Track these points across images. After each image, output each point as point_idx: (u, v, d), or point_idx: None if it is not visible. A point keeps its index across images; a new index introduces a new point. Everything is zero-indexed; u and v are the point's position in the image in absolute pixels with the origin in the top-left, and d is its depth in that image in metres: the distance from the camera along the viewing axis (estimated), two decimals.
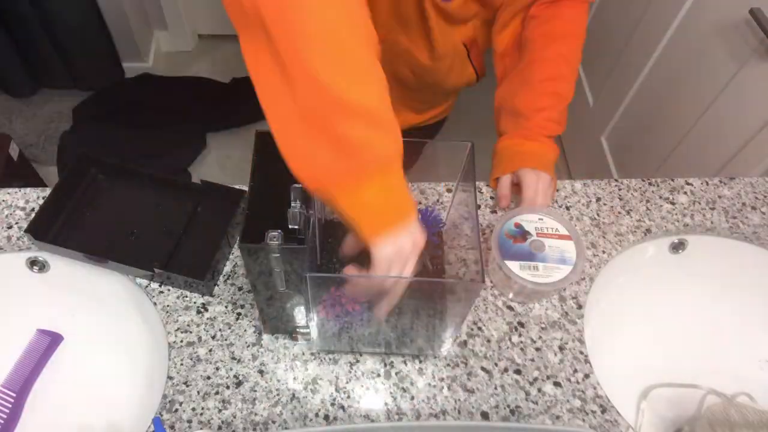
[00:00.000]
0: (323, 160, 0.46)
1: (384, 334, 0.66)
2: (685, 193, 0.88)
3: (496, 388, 0.68)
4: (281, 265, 0.56)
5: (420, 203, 0.83)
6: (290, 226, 0.54)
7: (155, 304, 0.72)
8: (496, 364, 0.69)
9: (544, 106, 0.80)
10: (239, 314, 0.71)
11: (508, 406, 0.66)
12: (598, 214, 0.84)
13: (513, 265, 0.71)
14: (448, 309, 0.63)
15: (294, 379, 0.67)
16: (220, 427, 0.63)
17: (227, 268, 0.75)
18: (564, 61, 0.80)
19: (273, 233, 0.52)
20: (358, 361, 0.68)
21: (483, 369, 0.69)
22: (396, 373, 0.68)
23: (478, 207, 0.83)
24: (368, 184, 0.47)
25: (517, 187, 0.80)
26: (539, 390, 0.68)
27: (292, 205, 0.54)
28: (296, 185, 0.54)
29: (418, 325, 0.65)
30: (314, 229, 0.62)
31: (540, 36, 0.80)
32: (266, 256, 0.54)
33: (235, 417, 0.64)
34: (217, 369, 0.67)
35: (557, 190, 0.86)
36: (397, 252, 0.50)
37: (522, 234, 0.74)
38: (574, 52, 0.81)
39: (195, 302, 0.72)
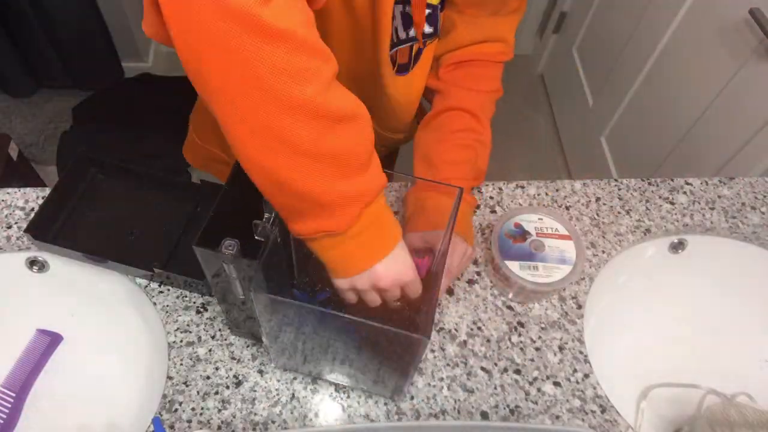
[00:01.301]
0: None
1: (338, 363, 0.64)
2: (685, 193, 0.88)
3: (495, 388, 0.68)
4: (236, 274, 0.54)
5: None
6: (256, 238, 0.53)
7: (155, 303, 0.72)
8: (495, 364, 0.69)
9: (457, 159, 0.74)
10: None
11: (508, 405, 0.66)
12: (597, 214, 0.84)
13: (513, 265, 0.71)
14: (395, 356, 0.60)
15: (293, 378, 0.67)
16: (219, 427, 0.63)
17: None
18: (482, 113, 0.76)
19: (229, 242, 0.50)
20: None
21: (483, 369, 0.69)
22: None
23: (477, 207, 0.84)
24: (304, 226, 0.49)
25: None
26: (539, 390, 0.68)
27: (266, 216, 0.53)
28: None
29: (368, 364, 0.62)
30: (294, 244, 0.59)
31: (459, 86, 0.76)
32: (221, 263, 0.53)
33: (234, 417, 0.64)
34: (217, 369, 0.67)
35: (557, 190, 0.86)
36: (368, 288, 0.54)
37: (522, 234, 0.74)
38: (491, 106, 0.78)
39: (194, 302, 0.72)
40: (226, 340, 0.69)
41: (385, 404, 0.66)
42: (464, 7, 0.70)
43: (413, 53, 0.72)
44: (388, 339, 0.58)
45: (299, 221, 0.49)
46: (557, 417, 0.66)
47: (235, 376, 0.66)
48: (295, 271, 0.67)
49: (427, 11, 0.67)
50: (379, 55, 0.66)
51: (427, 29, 0.69)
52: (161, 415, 0.63)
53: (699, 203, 0.87)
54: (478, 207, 0.83)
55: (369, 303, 0.57)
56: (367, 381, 0.65)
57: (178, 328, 0.70)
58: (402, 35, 0.67)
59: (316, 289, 0.66)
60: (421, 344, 0.52)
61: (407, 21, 0.66)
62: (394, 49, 0.69)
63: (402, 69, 0.72)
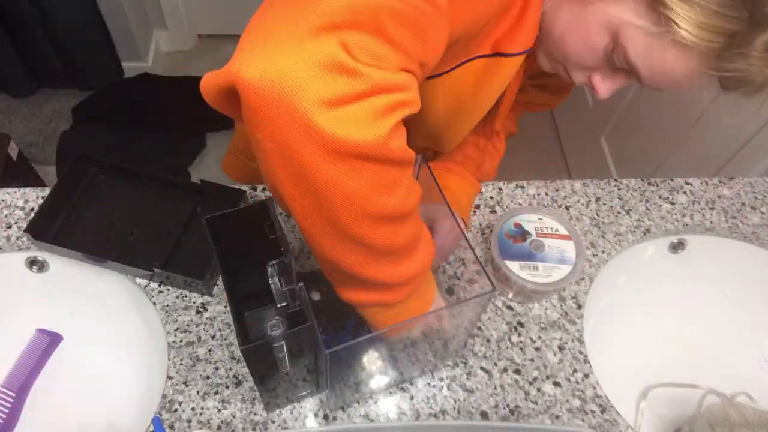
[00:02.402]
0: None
1: (395, 369, 0.65)
2: (685, 193, 0.88)
3: (495, 388, 0.68)
4: (286, 348, 0.52)
5: None
6: (279, 305, 0.52)
7: (155, 303, 0.72)
8: (495, 364, 0.69)
9: (467, 152, 0.79)
10: None
11: (508, 405, 0.66)
12: (597, 214, 0.84)
13: (513, 265, 0.71)
14: (458, 323, 0.62)
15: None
16: (219, 427, 0.63)
17: None
18: (502, 130, 0.81)
19: (272, 322, 0.49)
20: None
21: (482, 369, 0.69)
22: None
23: (477, 207, 0.84)
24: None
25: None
26: (539, 390, 0.68)
27: (271, 283, 0.52)
28: (272, 262, 0.51)
29: (427, 350, 0.64)
30: (303, 294, 0.58)
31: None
32: (270, 348, 0.51)
33: (234, 417, 0.64)
34: (217, 369, 0.67)
35: (556, 190, 0.86)
36: None
37: (522, 234, 0.74)
38: (510, 129, 0.86)
39: (194, 302, 0.72)
40: (225, 340, 0.69)
41: (385, 403, 0.66)
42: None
43: None
44: (447, 315, 0.60)
45: (355, 293, 0.49)
46: (557, 417, 0.66)
47: (235, 376, 0.66)
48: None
49: None
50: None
51: None
52: (161, 415, 0.63)
53: (699, 203, 0.87)
54: (477, 207, 0.83)
55: None
56: (427, 363, 0.66)
57: (177, 328, 0.70)
58: None
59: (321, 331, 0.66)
60: (489, 298, 0.55)
61: None
62: None
63: None
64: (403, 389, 0.67)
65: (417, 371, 0.67)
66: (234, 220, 0.56)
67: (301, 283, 0.52)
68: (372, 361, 0.60)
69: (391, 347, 0.60)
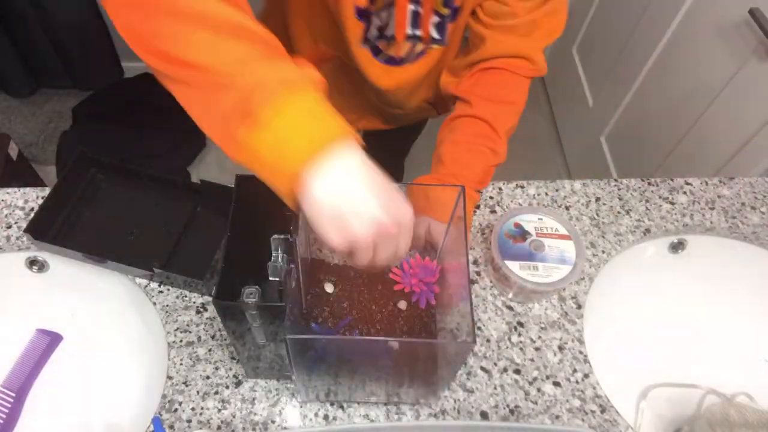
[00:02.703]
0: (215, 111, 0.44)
1: (370, 388, 0.64)
2: (685, 193, 0.88)
3: (495, 388, 0.68)
4: (259, 320, 0.52)
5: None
6: (270, 278, 0.52)
7: (155, 303, 0.72)
8: (495, 364, 0.69)
9: (466, 162, 0.75)
10: None
11: (508, 405, 0.66)
12: (597, 214, 0.84)
13: (513, 265, 0.71)
14: (437, 364, 0.60)
15: (293, 378, 0.66)
16: (219, 427, 0.63)
17: None
18: (499, 125, 0.76)
19: (250, 289, 0.48)
20: None
21: (482, 369, 0.69)
22: None
23: (477, 207, 0.83)
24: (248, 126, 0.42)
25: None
26: (539, 390, 0.68)
27: (273, 255, 0.51)
28: (276, 235, 0.51)
29: (404, 378, 0.62)
30: (298, 275, 0.57)
31: (481, 97, 0.76)
32: (243, 312, 0.51)
33: (234, 417, 0.64)
34: (217, 369, 0.67)
35: (556, 190, 0.86)
36: (339, 194, 0.41)
37: (522, 234, 0.74)
38: (511, 118, 0.78)
39: (194, 302, 0.72)
40: (225, 340, 0.69)
41: (385, 404, 0.66)
42: (493, 28, 0.74)
43: (416, 51, 0.77)
44: (426, 351, 0.58)
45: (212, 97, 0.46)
46: (557, 417, 0.66)
47: (235, 376, 0.66)
48: (304, 305, 0.65)
49: (436, 19, 0.72)
50: (348, 39, 0.72)
51: (435, 35, 0.74)
52: (161, 415, 0.63)
53: (699, 203, 0.87)
54: (477, 207, 0.83)
55: (360, 254, 0.46)
56: (401, 394, 0.65)
57: (177, 328, 0.70)
58: (408, 31, 0.73)
59: (317, 320, 0.66)
60: (467, 349, 0.51)
61: (415, 21, 0.72)
62: (381, 42, 0.75)
63: (394, 61, 0.78)
64: None
65: (384, 394, 0.65)
66: (263, 187, 0.56)
67: (293, 265, 0.52)
68: (343, 365, 0.59)
69: (364, 358, 0.59)
